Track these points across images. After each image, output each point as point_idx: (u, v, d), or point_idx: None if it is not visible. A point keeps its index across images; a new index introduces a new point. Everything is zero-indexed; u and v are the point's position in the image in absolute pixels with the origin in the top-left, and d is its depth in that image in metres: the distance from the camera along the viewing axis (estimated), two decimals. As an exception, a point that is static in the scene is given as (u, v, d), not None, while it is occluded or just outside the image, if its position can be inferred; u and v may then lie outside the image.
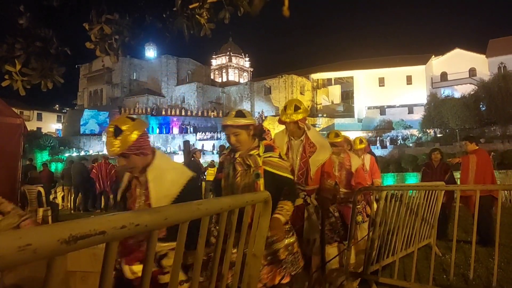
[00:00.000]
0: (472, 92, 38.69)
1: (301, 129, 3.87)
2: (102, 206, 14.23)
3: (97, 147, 45.98)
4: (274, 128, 44.65)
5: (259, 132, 3.13)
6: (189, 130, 47.64)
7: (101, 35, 3.64)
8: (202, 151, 31.87)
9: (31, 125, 51.41)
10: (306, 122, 3.94)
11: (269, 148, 3.00)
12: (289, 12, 3.16)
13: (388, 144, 38.83)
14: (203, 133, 46.13)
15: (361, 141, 6.32)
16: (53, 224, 0.85)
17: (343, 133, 6.26)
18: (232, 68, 68.05)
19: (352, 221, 4.47)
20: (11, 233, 0.75)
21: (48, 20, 3.77)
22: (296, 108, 3.81)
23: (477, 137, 7.81)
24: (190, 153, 11.60)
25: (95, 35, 3.63)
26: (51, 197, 14.39)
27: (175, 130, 48.54)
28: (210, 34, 3.78)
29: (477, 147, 7.22)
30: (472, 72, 46.55)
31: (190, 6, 3.61)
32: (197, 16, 3.66)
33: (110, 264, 1.02)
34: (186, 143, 11.18)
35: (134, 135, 2.34)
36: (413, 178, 29.10)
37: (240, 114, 3.01)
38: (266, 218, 2.23)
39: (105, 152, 43.58)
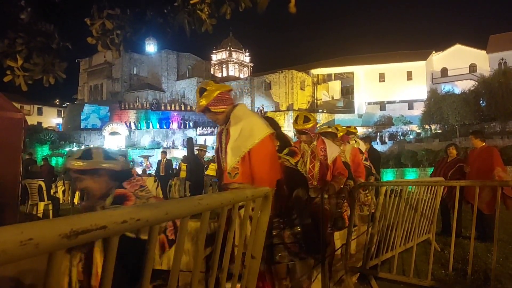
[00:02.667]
0: (472, 88, 38.58)
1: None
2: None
3: (98, 142, 45.97)
4: (275, 124, 44.59)
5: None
6: (188, 125, 47.59)
7: (103, 30, 3.63)
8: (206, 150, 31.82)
9: (32, 120, 51.43)
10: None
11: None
12: (296, 9, 3.16)
13: (387, 139, 38.83)
14: (203, 128, 46.11)
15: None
16: (54, 218, 0.86)
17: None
18: (232, 63, 67.93)
19: (352, 215, 4.49)
20: (13, 228, 0.76)
21: (50, 15, 3.77)
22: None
23: (482, 133, 7.70)
24: (193, 150, 11.69)
25: (96, 30, 3.63)
26: (52, 191, 14.43)
27: (175, 125, 48.53)
28: (212, 30, 3.78)
29: (483, 143, 7.16)
30: (473, 68, 46.40)
31: (191, 1, 3.60)
32: (198, 11, 3.66)
33: (111, 259, 1.03)
34: (190, 140, 11.21)
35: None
36: (412, 174, 29.15)
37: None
38: (266, 214, 2.23)
39: (105, 146, 43.71)
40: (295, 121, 4.42)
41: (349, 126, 6.72)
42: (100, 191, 2.38)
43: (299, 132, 4.46)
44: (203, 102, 2.97)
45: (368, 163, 6.27)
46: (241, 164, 2.94)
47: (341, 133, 5.71)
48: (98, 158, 2.35)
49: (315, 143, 4.45)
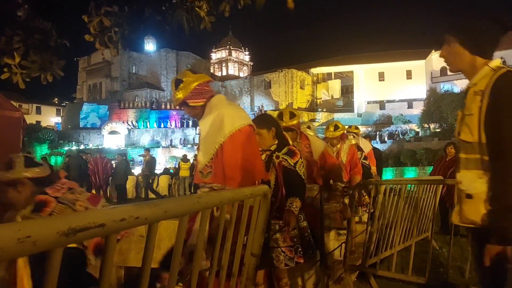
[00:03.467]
0: (471, 87, 38.54)
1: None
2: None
3: (97, 141, 45.94)
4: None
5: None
6: (185, 124, 47.49)
7: (101, 27, 3.62)
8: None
9: (30, 119, 51.36)
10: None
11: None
12: (294, 5, 3.15)
13: (387, 138, 38.87)
14: (202, 127, 46.03)
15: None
16: (53, 216, 0.85)
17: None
18: (232, 62, 67.88)
19: (352, 213, 4.48)
20: (11, 225, 0.75)
21: (47, 12, 3.76)
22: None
23: None
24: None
25: (94, 27, 3.61)
26: (51, 190, 14.41)
27: (175, 124, 48.47)
28: (210, 27, 3.77)
29: None
30: (472, 67, 46.37)
31: (190, -1, 3.59)
32: (196, 8, 3.65)
33: (110, 257, 1.02)
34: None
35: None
36: (411, 173, 29.16)
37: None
38: (265, 212, 2.23)
39: (104, 146, 43.80)
40: (280, 118, 4.12)
41: (350, 126, 6.67)
42: (26, 202, 2.21)
43: (285, 129, 4.02)
44: (180, 95, 2.69)
45: (367, 161, 6.08)
46: (214, 162, 2.61)
47: (341, 132, 5.51)
48: (19, 167, 2.22)
49: (299, 140, 4.24)
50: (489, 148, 1.81)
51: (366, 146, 6.72)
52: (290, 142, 3.46)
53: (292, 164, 3.15)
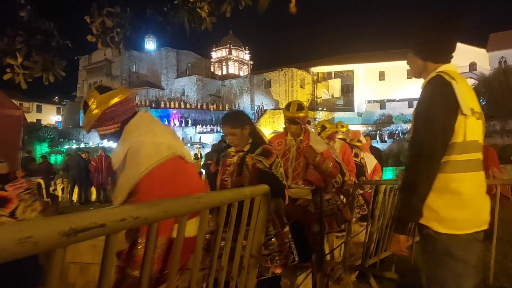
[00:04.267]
0: (472, 87, 38.36)
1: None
2: (102, 198, 14.37)
3: (97, 139, 45.86)
4: (274, 122, 44.72)
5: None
6: (185, 122, 47.45)
7: (103, 28, 3.63)
8: (202, 145, 31.65)
9: (31, 117, 51.36)
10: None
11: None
12: (296, 9, 3.16)
13: (387, 138, 38.82)
14: (203, 126, 46.07)
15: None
16: (54, 216, 0.86)
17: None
18: (232, 61, 67.82)
19: (352, 213, 4.48)
20: (12, 226, 0.76)
21: (49, 13, 3.78)
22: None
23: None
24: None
25: (96, 28, 3.63)
26: (51, 189, 14.45)
27: (175, 123, 48.47)
28: (211, 28, 3.78)
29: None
30: (473, 66, 46.25)
31: (191, 0, 3.60)
32: (198, 9, 3.66)
33: (110, 257, 1.03)
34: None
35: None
36: (412, 172, 29.11)
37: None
38: (265, 212, 2.24)
39: (104, 144, 43.71)
40: (287, 108, 3.96)
41: (343, 125, 6.51)
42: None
43: (289, 121, 3.95)
44: (86, 123, 2.19)
45: (358, 159, 5.80)
46: (130, 199, 2.04)
47: (330, 131, 5.29)
48: None
49: (301, 137, 3.96)
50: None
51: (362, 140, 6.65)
52: (266, 141, 3.09)
53: (268, 166, 2.83)
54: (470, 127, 1.86)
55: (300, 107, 3.93)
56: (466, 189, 1.84)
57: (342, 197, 4.61)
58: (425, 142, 1.82)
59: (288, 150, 3.96)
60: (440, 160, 1.83)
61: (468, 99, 1.87)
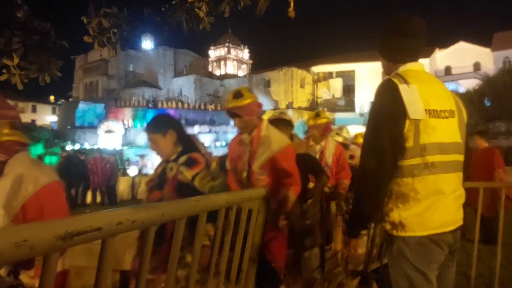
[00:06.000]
0: (476, 87, 38.22)
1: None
2: (98, 201, 14.32)
3: (93, 140, 45.60)
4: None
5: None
6: (184, 123, 47.29)
7: (100, 28, 3.63)
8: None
9: (26, 117, 51.25)
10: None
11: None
12: (294, 14, 3.16)
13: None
14: (201, 126, 45.96)
15: (317, 114, 4.57)
16: (49, 220, 0.86)
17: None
18: (231, 60, 67.61)
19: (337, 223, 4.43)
20: (8, 229, 0.76)
21: (46, 13, 3.77)
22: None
23: (486, 133, 7.59)
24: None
25: (93, 28, 3.62)
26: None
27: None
28: (210, 28, 3.77)
29: (486, 144, 7.03)
30: (477, 66, 46.00)
31: (189, 0, 3.59)
32: (196, 9, 3.65)
33: (107, 261, 1.03)
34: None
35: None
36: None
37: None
38: (264, 215, 2.23)
39: (100, 146, 43.40)
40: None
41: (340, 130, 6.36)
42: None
43: (229, 114, 3.20)
44: None
45: (353, 161, 5.17)
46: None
47: (324, 120, 4.55)
48: None
49: (254, 133, 3.11)
50: None
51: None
52: (201, 148, 2.71)
53: (189, 178, 2.41)
54: (430, 129, 1.81)
55: (237, 94, 3.06)
56: (417, 192, 1.82)
57: (325, 205, 4.11)
58: (373, 147, 1.83)
59: (244, 152, 3.16)
60: (390, 165, 1.81)
61: (430, 100, 1.83)
